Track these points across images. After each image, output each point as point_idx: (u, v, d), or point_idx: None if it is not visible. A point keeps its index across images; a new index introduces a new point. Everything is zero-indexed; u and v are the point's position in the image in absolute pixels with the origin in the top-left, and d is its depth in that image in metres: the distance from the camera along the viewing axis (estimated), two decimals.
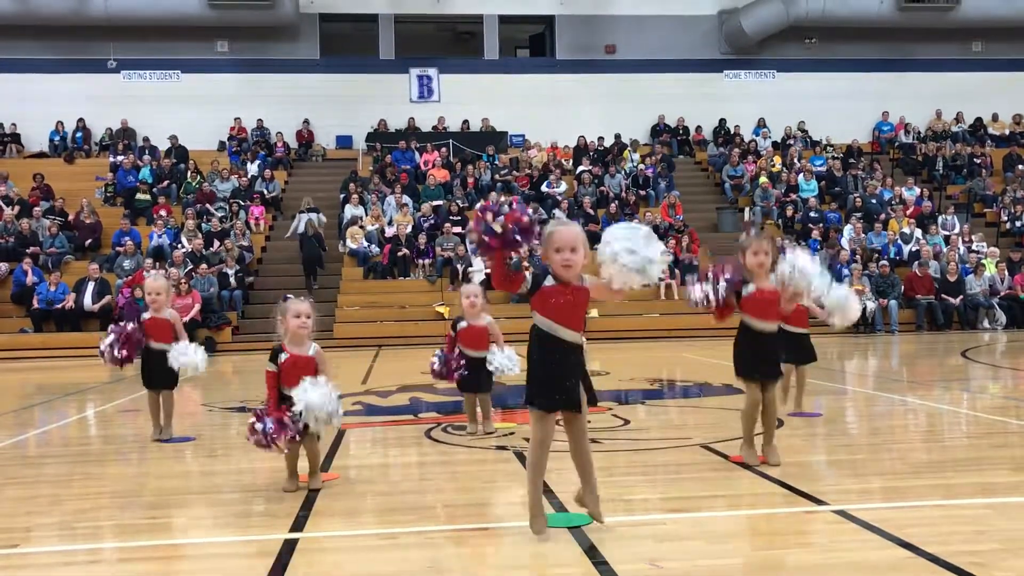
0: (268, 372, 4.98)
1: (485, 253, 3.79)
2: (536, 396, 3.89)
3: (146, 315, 6.80)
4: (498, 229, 3.61)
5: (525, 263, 4.68)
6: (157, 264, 18.65)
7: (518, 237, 3.64)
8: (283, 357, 4.95)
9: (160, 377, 6.77)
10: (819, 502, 4.45)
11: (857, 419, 7.53)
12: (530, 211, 3.76)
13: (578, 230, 3.88)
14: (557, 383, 3.88)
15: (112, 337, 6.66)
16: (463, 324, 6.65)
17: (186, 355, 6.66)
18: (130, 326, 6.71)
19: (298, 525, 4.26)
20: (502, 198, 4.53)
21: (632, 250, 3.68)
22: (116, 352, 6.62)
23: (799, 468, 5.27)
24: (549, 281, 3.87)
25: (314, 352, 5.01)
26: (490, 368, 6.58)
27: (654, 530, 4.03)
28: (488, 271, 3.25)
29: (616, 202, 21.83)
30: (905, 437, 6.60)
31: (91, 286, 18.04)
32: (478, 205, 3.78)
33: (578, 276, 3.86)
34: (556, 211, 18.68)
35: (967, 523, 4.05)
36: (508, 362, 6.54)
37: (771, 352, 5.40)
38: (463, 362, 6.59)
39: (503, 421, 7.20)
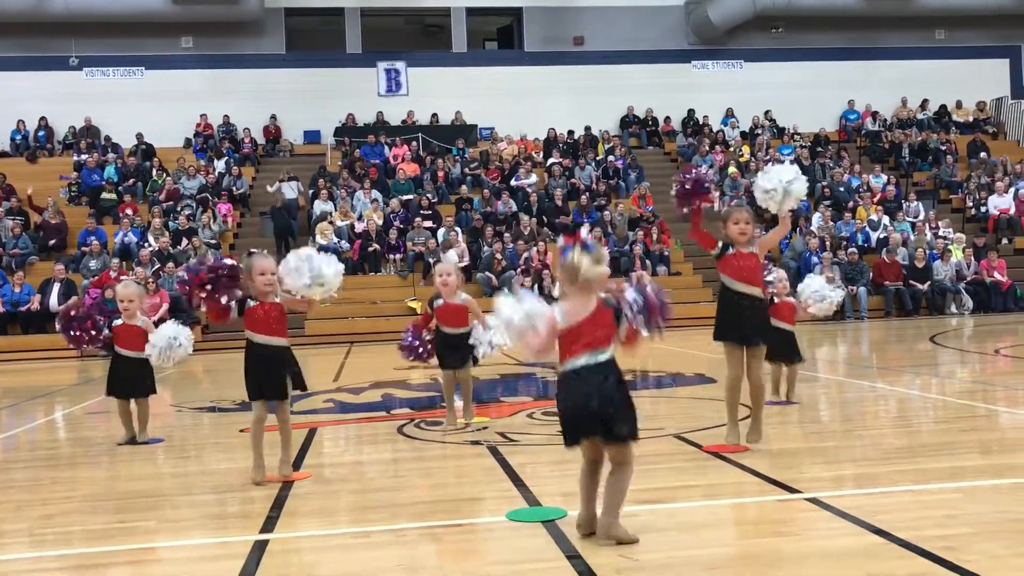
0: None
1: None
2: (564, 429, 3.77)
3: (117, 321, 6.68)
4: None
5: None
6: (124, 264, 18.41)
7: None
8: (252, 304, 5.10)
9: (132, 385, 6.65)
10: (792, 490, 4.47)
11: (828, 406, 7.58)
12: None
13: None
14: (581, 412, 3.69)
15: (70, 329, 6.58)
16: (440, 302, 6.62)
17: (172, 336, 6.41)
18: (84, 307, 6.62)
19: (269, 526, 4.22)
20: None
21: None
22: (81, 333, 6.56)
23: (772, 456, 5.30)
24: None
25: (281, 299, 5.17)
26: (474, 344, 6.50)
27: (628, 522, 4.02)
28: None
29: (587, 194, 21.85)
30: (876, 423, 6.65)
31: (57, 287, 17.77)
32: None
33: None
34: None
35: (938, 508, 4.08)
36: (494, 339, 6.43)
37: (750, 317, 5.34)
38: (430, 342, 6.67)
39: (476, 415, 7.16)
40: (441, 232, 20.19)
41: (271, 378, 5.12)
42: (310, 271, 4.84)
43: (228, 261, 5.08)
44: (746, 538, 3.94)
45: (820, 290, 7.08)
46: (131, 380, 6.63)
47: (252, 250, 5.38)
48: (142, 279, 17.52)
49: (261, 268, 5.08)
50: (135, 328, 6.61)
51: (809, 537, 3.77)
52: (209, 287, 4.92)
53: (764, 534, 3.92)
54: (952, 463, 5.04)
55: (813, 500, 4.26)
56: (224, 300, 4.96)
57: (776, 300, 7.05)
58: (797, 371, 7.41)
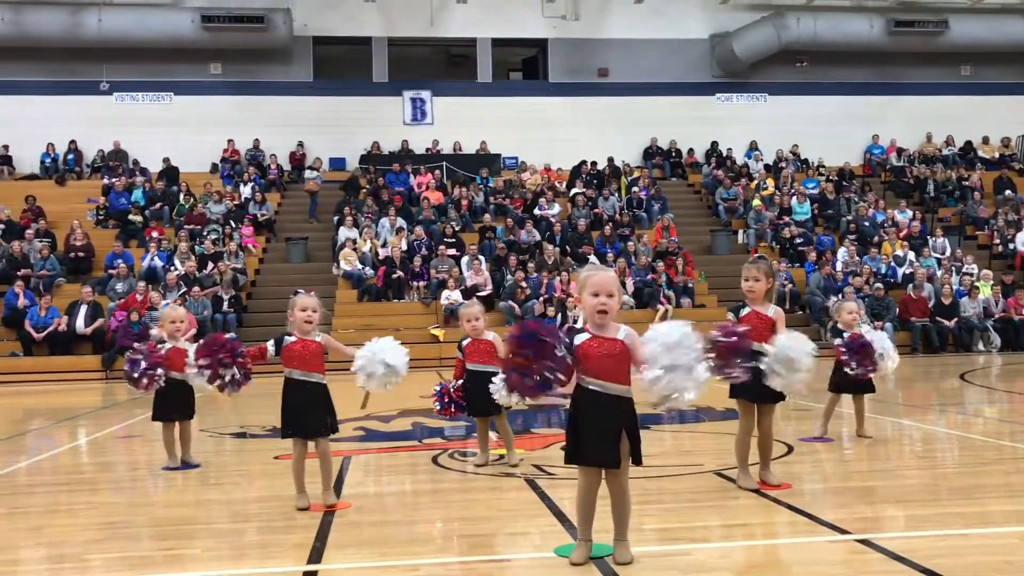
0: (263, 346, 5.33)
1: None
2: (569, 452, 3.98)
3: (167, 345, 6.67)
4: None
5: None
6: (150, 287, 18.49)
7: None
8: (289, 340, 5.23)
9: (179, 409, 6.67)
10: (842, 531, 4.38)
11: (863, 444, 7.46)
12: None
13: (613, 276, 3.98)
14: (587, 438, 3.91)
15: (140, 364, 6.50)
16: (467, 340, 6.51)
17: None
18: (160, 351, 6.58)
19: (316, 557, 4.17)
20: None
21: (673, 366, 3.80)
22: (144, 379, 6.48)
23: (815, 495, 5.22)
24: (581, 337, 3.87)
25: (320, 339, 5.31)
26: (492, 391, 6.22)
27: (679, 560, 3.96)
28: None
29: (610, 224, 21.83)
30: (915, 462, 6.55)
31: (83, 309, 17.87)
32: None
33: (614, 324, 3.89)
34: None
35: (996, 553, 3.99)
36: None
37: (762, 375, 5.17)
38: (462, 393, 6.42)
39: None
40: (465, 260, 20.20)
41: (313, 414, 5.16)
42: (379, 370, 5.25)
43: (231, 338, 5.34)
44: None
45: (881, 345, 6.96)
46: (179, 403, 6.63)
47: (299, 290, 5.46)
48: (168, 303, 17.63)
49: (303, 305, 5.24)
50: (182, 351, 6.59)
51: None
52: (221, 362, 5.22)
53: None
54: (1008, 506, 4.94)
55: (864, 541, 4.18)
56: (226, 377, 5.26)
57: (846, 333, 7.02)
58: (864, 405, 7.50)
